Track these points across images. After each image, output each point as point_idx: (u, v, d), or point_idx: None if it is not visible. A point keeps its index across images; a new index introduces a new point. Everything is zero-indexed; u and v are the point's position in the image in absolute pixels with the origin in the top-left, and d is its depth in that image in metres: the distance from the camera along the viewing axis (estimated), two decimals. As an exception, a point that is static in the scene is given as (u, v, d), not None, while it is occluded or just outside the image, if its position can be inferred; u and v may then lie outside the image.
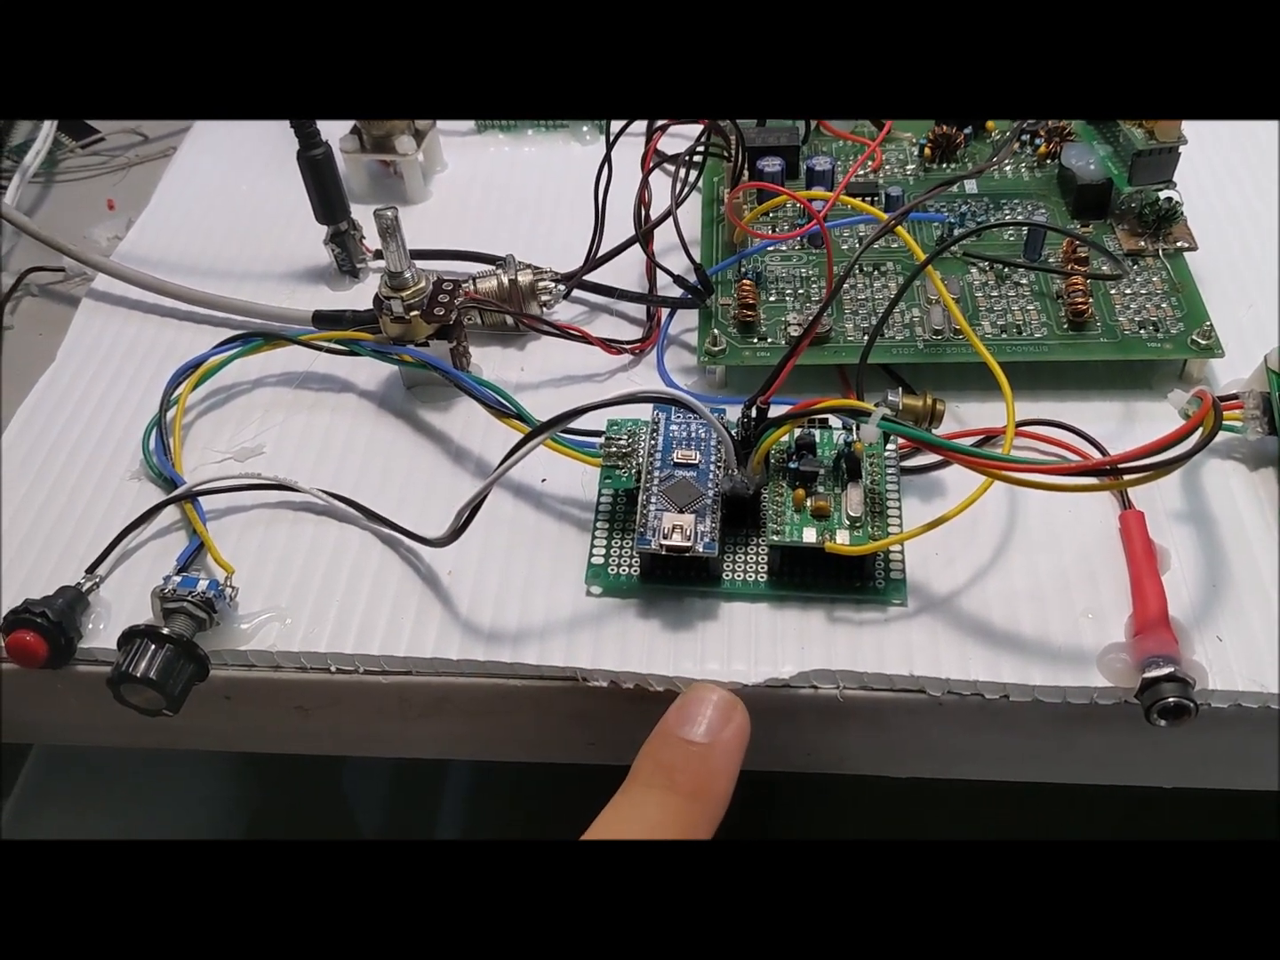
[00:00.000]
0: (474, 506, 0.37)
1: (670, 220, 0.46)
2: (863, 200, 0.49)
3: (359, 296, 0.51)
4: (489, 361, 0.48)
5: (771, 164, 0.49)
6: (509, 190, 0.57)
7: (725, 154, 0.49)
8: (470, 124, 0.60)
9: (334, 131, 0.55)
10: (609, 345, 0.46)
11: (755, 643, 0.37)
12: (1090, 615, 0.37)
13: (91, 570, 0.40)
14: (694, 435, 0.40)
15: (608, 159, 0.48)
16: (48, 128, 0.58)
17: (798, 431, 0.40)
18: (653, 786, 0.31)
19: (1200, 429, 0.35)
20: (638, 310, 0.49)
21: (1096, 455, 0.42)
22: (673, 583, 0.39)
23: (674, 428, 0.40)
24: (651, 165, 0.48)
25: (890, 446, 0.41)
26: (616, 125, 0.50)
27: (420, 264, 0.50)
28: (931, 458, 0.42)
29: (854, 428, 0.39)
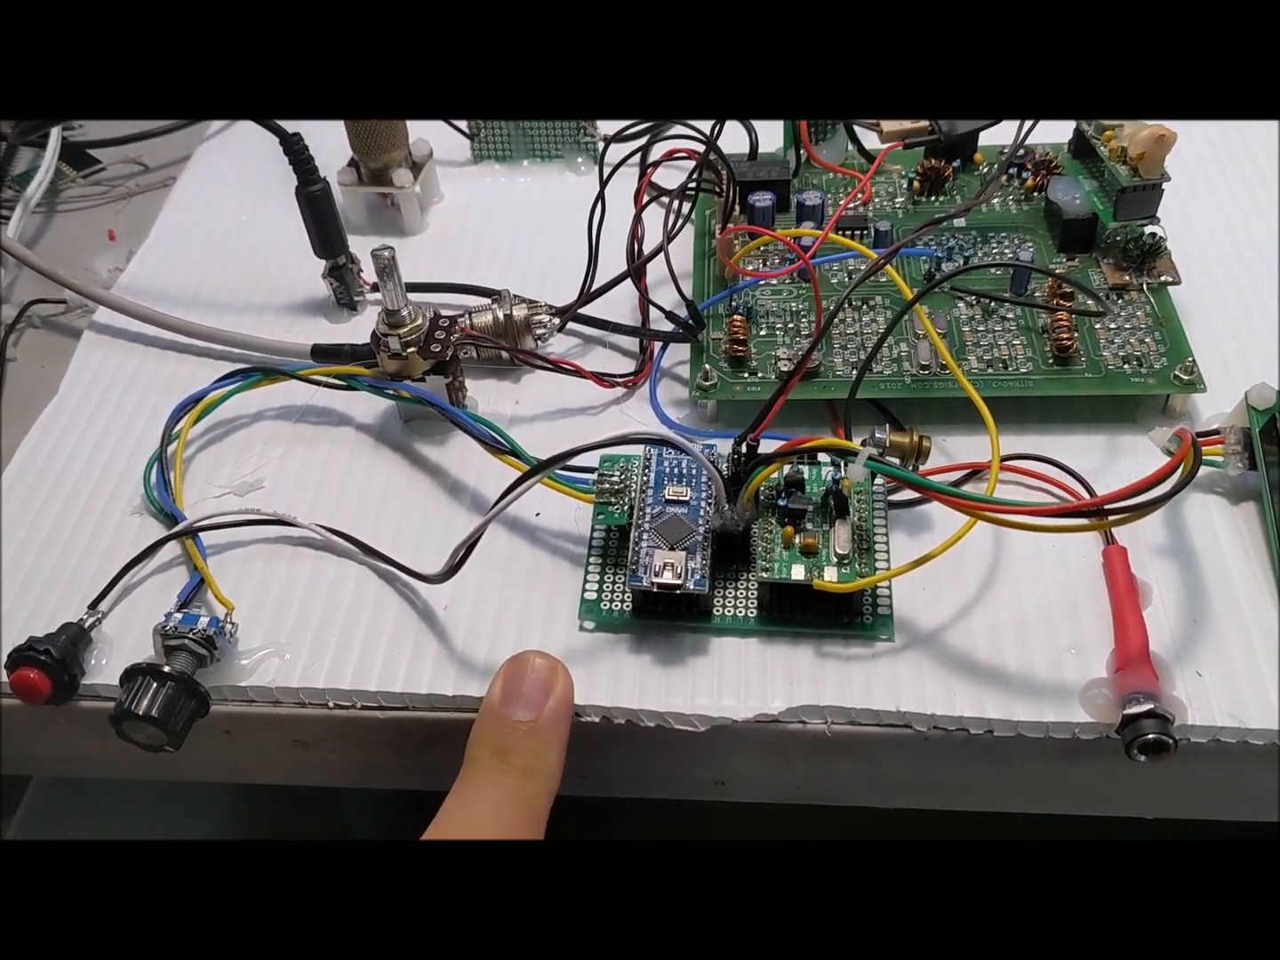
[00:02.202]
0: (469, 545, 0.38)
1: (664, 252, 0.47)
2: (852, 234, 0.50)
3: (357, 329, 0.52)
4: (485, 395, 0.48)
5: (762, 199, 0.50)
6: (505, 221, 0.57)
7: (717, 189, 0.50)
8: (466, 155, 0.61)
9: (332, 165, 0.56)
10: (602, 379, 0.47)
11: (745, 678, 0.38)
12: (1073, 650, 0.38)
13: (94, 606, 0.41)
14: (685, 471, 0.41)
15: (601, 196, 0.48)
16: (50, 158, 0.59)
17: (787, 468, 0.40)
18: (490, 771, 0.33)
19: (1180, 468, 0.35)
20: (631, 343, 0.50)
21: (1080, 490, 0.42)
22: (665, 618, 0.39)
23: (665, 464, 0.41)
24: (645, 202, 0.49)
25: (878, 483, 0.42)
26: (611, 161, 0.51)
27: (417, 297, 0.52)
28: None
29: (842, 465, 0.40)
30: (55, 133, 0.59)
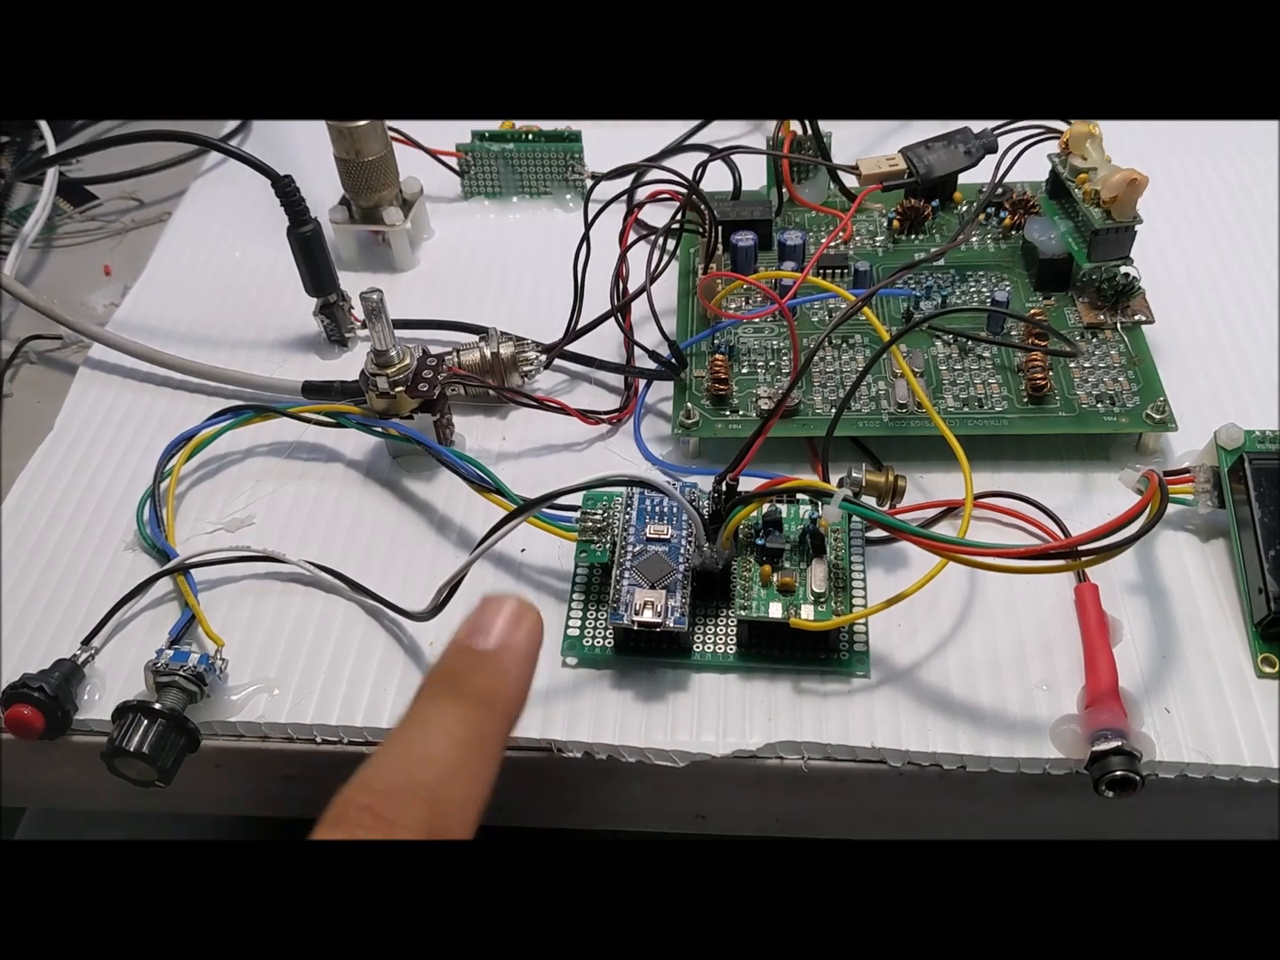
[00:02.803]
0: (454, 585, 0.39)
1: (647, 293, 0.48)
2: (833, 273, 0.51)
3: (348, 365, 0.53)
4: (472, 431, 0.49)
5: (745, 238, 0.51)
6: (494, 257, 0.58)
7: (700, 229, 0.51)
8: (457, 191, 0.62)
9: (325, 202, 0.57)
10: (586, 416, 0.48)
11: (724, 714, 0.39)
12: (1045, 687, 0.39)
13: (87, 642, 0.42)
14: (666, 510, 0.42)
15: (586, 238, 0.49)
16: (47, 194, 0.60)
17: (765, 507, 0.41)
18: (439, 697, 0.29)
19: (1148, 509, 0.36)
20: (617, 379, 0.51)
21: (1054, 528, 0.43)
22: (645, 655, 0.40)
23: (647, 503, 0.42)
24: (630, 243, 0.50)
25: (855, 521, 0.43)
26: (600, 197, 0.52)
27: (407, 334, 0.53)
28: (897, 528, 0.44)
29: (818, 505, 0.41)
30: (53, 171, 0.60)
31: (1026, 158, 0.51)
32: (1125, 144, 0.55)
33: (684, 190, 0.49)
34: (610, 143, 0.63)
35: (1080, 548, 0.35)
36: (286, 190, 0.49)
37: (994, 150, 0.51)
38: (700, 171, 0.51)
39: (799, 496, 0.42)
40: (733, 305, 0.51)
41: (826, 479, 0.44)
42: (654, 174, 0.53)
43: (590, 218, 0.50)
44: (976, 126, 0.54)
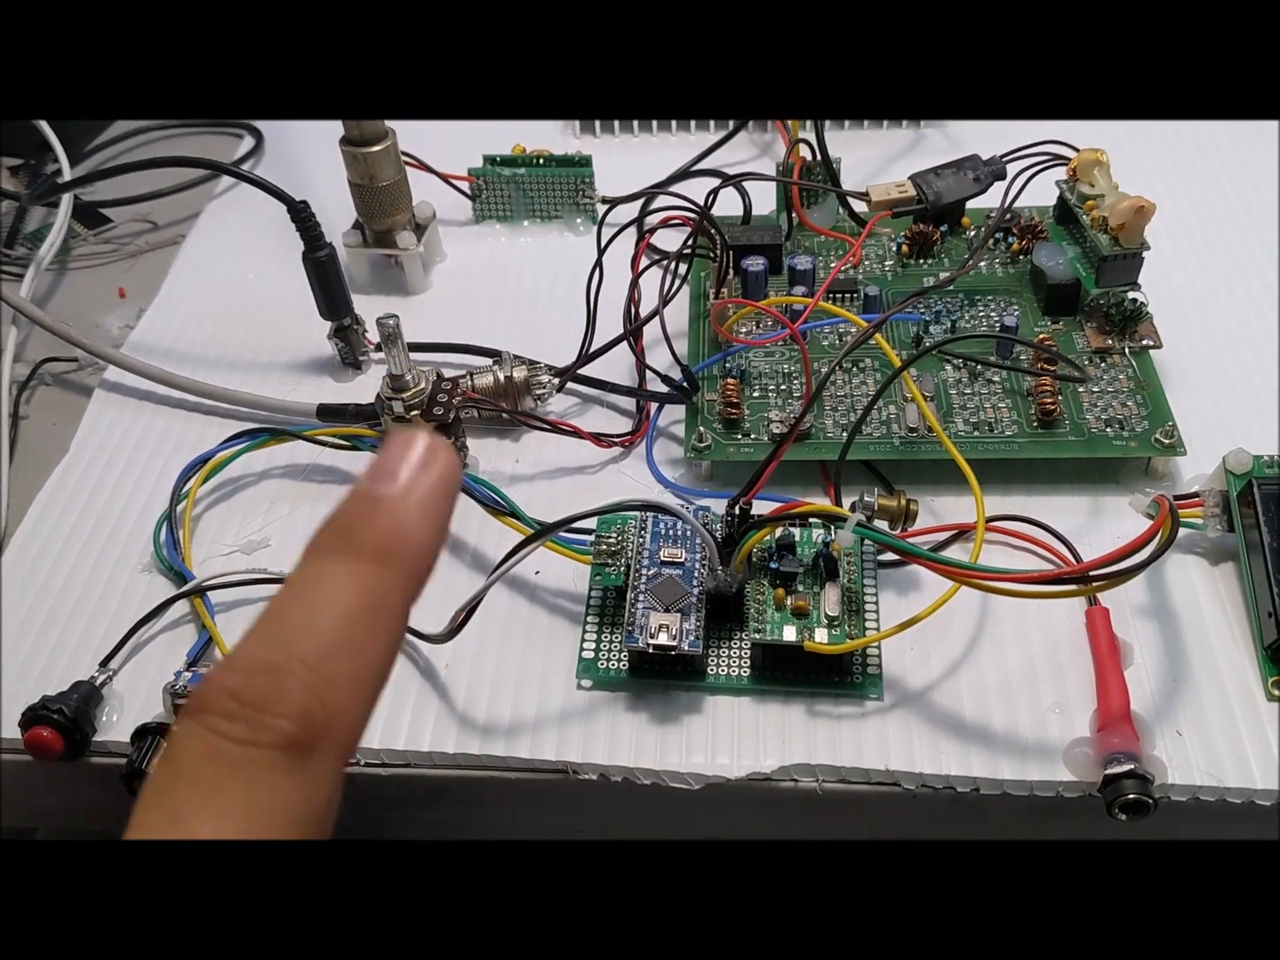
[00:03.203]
0: (470, 608, 0.39)
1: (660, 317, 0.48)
2: (842, 297, 0.52)
3: (362, 388, 0.53)
4: (486, 454, 0.50)
5: (755, 263, 0.51)
6: (506, 281, 0.59)
7: (711, 254, 0.52)
8: (469, 215, 0.62)
9: (338, 225, 0.57)
10: (599, 439, 0.48)
11: (738, 736, 0.39)
12: (1058, 709, 0.39)
13: (105, 663, 0.42)
14: (680, 533, 0.42)
15: (599, 263, 0.50)
16: (62, 217, 0.61)
17: (779, 531, 0.42)
18: (326, 555, 0.24)
19: (1159, 534, 0.37)
20: (629, 402, 0.52)
21: (1064, 551, 0.44)
22: (660, 677, 0.40)
23: (661, 526, 0.42)
24: (642, 269, 0.51)
25: (868, 545, 0.43)
26: (607, 230, 0.52)
27: (421, 357, 0.53)
28: (908, 551, 0.44)
29: (831, 529, 0.41)
30: (67, 195, 0.60)
31: (1035, 182, 0.52)
32: (1134, 170, 0.56)
33: (695, 216, 0.50)
34: (620, 167, 0.63)
35: (1092, 573, 0.35)
36: (302, 215, 0.49)
37: (1003, 177, 0.52)
38: (711, 198, 0.51)
39: (811, 520, 0.43)
40: (744, 329, 0.51)
41: (839, 503, 0.44)
42: (665, 199, 0.53)
43: (603, 243, 0.50)
44: (985, 151, 0.55)
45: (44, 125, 0.65)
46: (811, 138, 0.56)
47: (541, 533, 0.38)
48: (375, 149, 0.53)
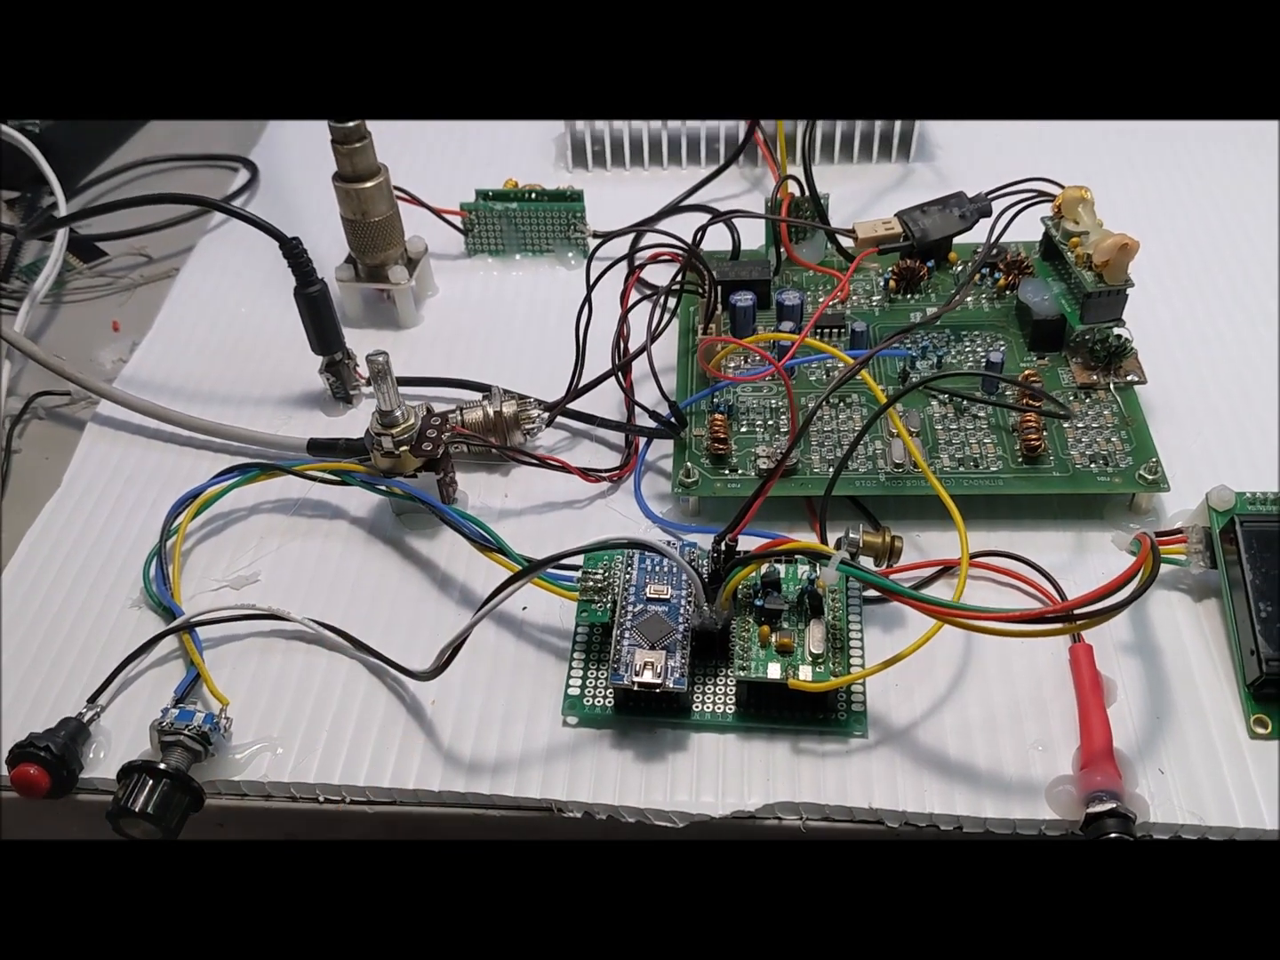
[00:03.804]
0: (456, 646, 0.39)
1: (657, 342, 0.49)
2: (830, 332, 0.52)
3: (353, 421, 0.54)
4: (475, 488, 0.50)
5: (744, 298, 0.52)
6: (498, 314, 0.59)
7: (700, 289, 0.52)
8: (461, 248, 0.63)
9: (331, 259, 0.58)
10: (587, 474, 0.49)
11: (723, 774, 0.39)
12: (1040, 747, 0.39)
13: (93, 699, 0.42)
14: (666, 569, 0.42)
15: (588, 299, 0.50)
16: (57, 251, 0.61)
17: (764, 568, 0.42)
18: None
19: (1140, 572, 0.37)
20: (618, 436, 0.52)
21: (1048, 587, 0.44)
22: (646, 714, 0.41)
23: (647, 562, 0.42)
24: (631, 304, 0.51)
25: (853, 581, 0.43)
26: (598, 264, 0.53)
27: (412, 391, 0.54)
28: (894, 587, 0.45)
29: (816, 567, 0.42)
30: (63, 231, 0.61)
31: (1022, 216, 0.52)
32: (1118, 205, 0.56)
33: (683, 252, 0.50)
34: (612, 201, 0.64)
35: (1075, 611, 0.35)
36: (294, 252, 0.50)
37: (988, 214, 0.52)
38: (700, 234, 0.52)
39: (797, 557, 0.43)
40: (732, 364, 0.52)
41: (824, 538, 0.44)
42: (655, 235, 0.54)
43: (592, 280, 0.51)
44: (972, 187, 0.55)
45: (40, 159, 0.65)
46: (800, 174, 0.56)
47: (527, 571, 0.39)
48: (368, 185, 0.54)
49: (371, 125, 0.53)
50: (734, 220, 0.55)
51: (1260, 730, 0.39)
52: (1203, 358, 0.53)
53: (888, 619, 0.44)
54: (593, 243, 0.61)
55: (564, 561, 0.41)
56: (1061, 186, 0.51)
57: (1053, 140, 0.68)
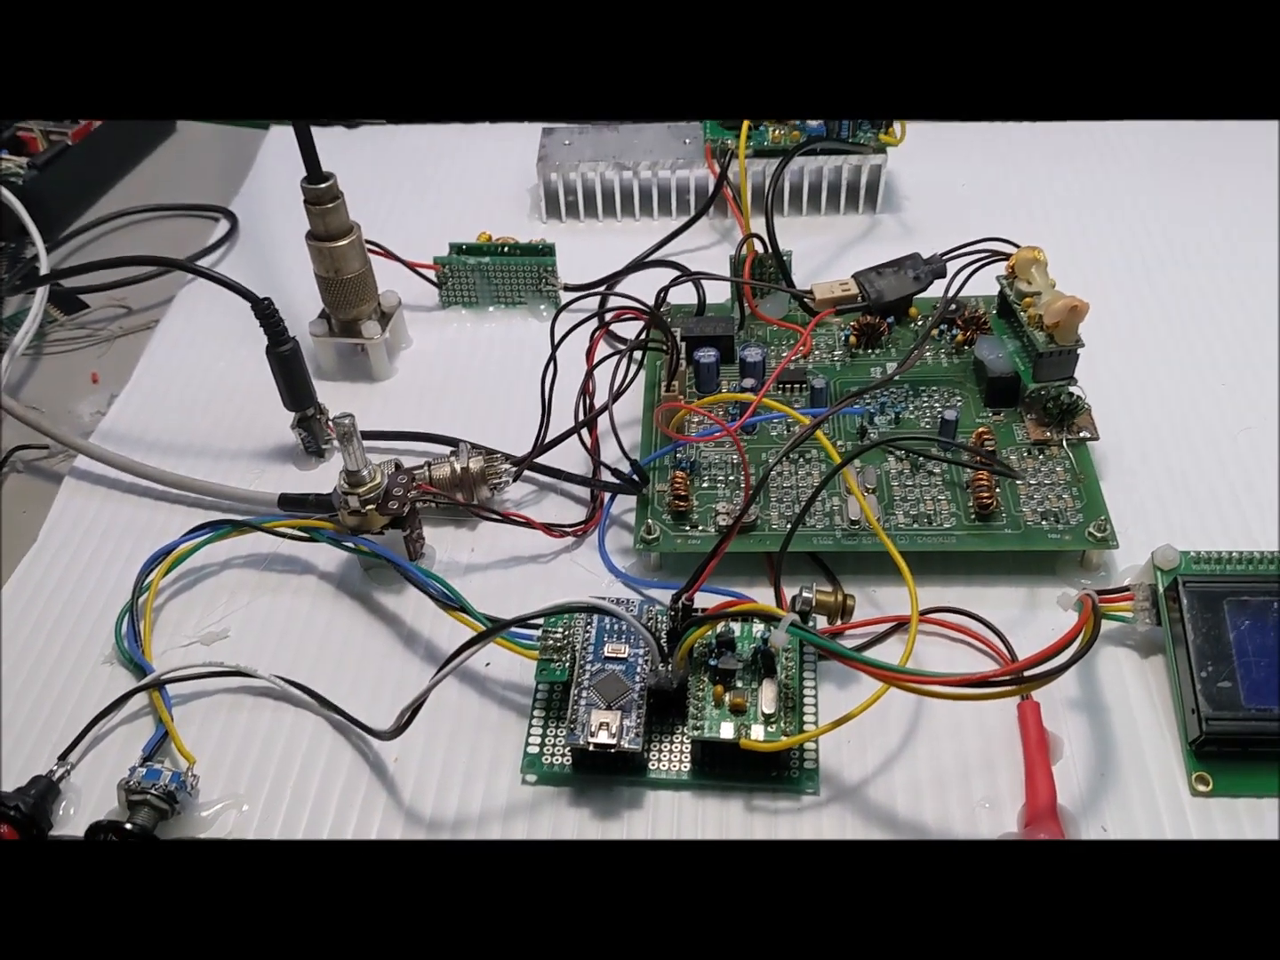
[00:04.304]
0: (415, 708, 0.40)
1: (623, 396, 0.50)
2: (791, 388, 0.53)
3: (324, 475, 0.55)
4: (442, 542, 0.51)
5: (707, 355, 0.53)
6: (470, 366, 0.60)
7: (664, 347, 0.53)
8: (435, 300, 0.64)
9: (307, 314, 0.59)
10: (551, 530, 0.50)
11: (678, 831, 0.40)
12: (988, 804, 0.40)
13: (64, 757, 0.43)
14: (625, 628, 0.43)
15: (553, 359, 0.51)
16: (38, 305, 0.62)
17: (720, 627, 0.43)
18: None
19: (1082, 633, 0.38)
20: (583, 490, 0.53)
21: (999, 644, 0.45)
22: (603, 772, 0.42)
23: (606, 621, 0.43)
24: (597, 360, 0.52)
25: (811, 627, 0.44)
26: (567, 319, 0.54)
27: (384, 444, 0.55)
28: (850, 642, 0.46)
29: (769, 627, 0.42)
30: (42, 291, 0.62)
31: (984, 269, 0.53)
32: (1068, 269, 0.57)
33: (646, 312, 0.51)
34: (585, 250, 0.65)
35: (1022, 674, 0.36)
36: (266, 312, 0.51)
37: (942, 275, 0.54)
38: (663, 295, 0.53)
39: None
40: (698, 419, 0.53)
41: (779, 593, 0.45)
42: (622, 293, 0.55)
43: (557, 339, 0.52)
44: (934, 240, 0.57)
45: (21, 210, 0.67)
46: (764, 232, 0.57)
47: (483, 636, 0.40)
48: (340, 244, 0.55)
49: (347, 177, 0.54)
50: (699, 276, 0.56)
51: (1201, 788, 0.40)
52: (1157, 414, 0.54)
53: (842, 676, 0.45)
54: (564, 296, 0.62)
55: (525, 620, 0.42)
56: (1017, 246, 0.52)
57: (1018, 193, 0.70)
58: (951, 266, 0.54)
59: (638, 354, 0.56)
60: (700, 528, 0.48)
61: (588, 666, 0.42)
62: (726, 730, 0.40)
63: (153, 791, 0.40)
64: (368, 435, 0.54)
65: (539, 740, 0.43)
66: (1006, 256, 0.52)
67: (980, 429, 0.50)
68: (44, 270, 0.65)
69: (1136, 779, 0.41)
